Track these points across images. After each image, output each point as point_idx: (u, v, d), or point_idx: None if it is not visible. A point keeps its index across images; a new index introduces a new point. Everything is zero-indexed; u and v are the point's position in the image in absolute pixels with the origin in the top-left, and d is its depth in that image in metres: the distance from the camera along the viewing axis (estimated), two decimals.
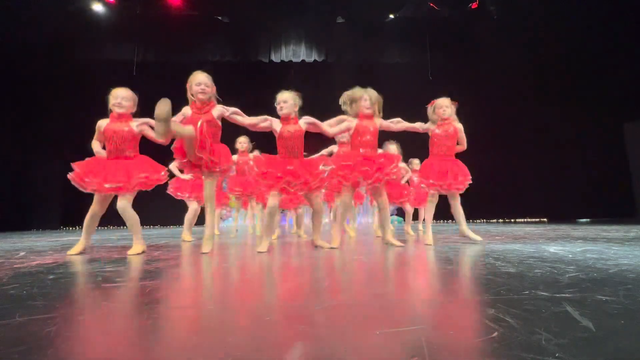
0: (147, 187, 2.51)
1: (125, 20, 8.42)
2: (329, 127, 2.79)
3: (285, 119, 2.66)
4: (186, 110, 2.55)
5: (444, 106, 2.93)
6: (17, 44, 7.59)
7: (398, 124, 2.89)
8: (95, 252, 2.58)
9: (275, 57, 9.07)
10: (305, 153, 2.80)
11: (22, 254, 2.56)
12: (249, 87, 8.35)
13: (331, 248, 2.60)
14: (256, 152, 4.20)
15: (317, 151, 3.80)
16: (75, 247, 2.49)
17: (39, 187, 7.89)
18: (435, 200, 3.00)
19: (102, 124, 2.55)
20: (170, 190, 3.90)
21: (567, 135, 8.68)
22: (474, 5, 8.43)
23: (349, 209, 4.25)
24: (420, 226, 5.22)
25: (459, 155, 3.07)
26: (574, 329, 0.74)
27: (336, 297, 1.12)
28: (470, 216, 8.82)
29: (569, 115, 8.58)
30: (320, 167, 2.64)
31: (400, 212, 10.09)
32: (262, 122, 2.65)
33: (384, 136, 2.93)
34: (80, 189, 2.43)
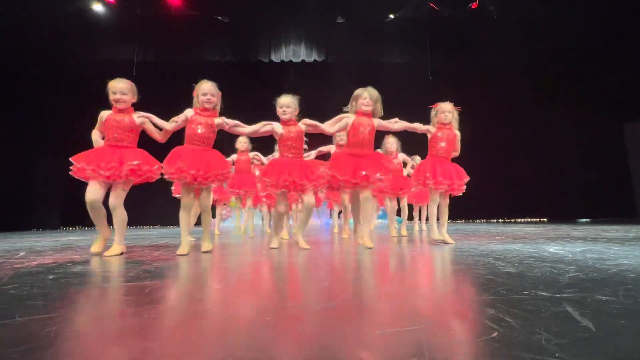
0: (138, 177, 2.47)
1: (125, 20, 8.42)
2: (328, 126, 2.83)
3: (286, 122, 2.75)
4: (188, 112, 2.62)
5: (446, 111, 2.98)
6: (17, 44, 7.59)
7: (396, 124, 2.90)
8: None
9: (275, 57, 9.07)
10: (305, 147, 2.86)
11: (22, 254, 2.56)
12: (249, 87, 8.35)
13: (369, 248, 2.59)
14: (255, 153, 4.21)
15: (314, 148, 3.81)
16: (113, 248, 2.44)
17: (39, 187, 7.89)
18: (437, 197, 3.01)
19: (104, 114, 2.57)
20: (175, 193, 3.93)
21: (567, 136, 8.69)
22: (474, 5, 8.43)
23: (346, 209, 4.27)
24: (416, 226, 5.21)
25: (458, 157, 3.09)
26: (574, 329, 0.74)
27: (336, 297, 1.12)
28: (471, 216, 8.88)
29: (569, 115, 8.58)
30: (321, 169, 2.72)
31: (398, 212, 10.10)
32: (262, 127, 2.74)
33: (385, 132, 2.93)
34: (83, 179, 2.43)
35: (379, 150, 3.03)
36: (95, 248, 2.51)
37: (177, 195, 3.91)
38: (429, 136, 3.05)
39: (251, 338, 0.75)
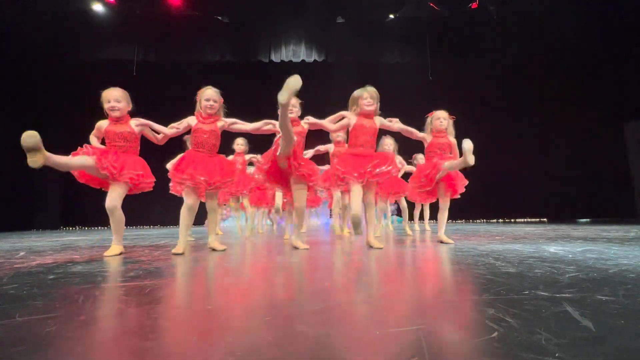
0: (133, 185, 2.49)
1: (125, 20, 8.42)
2: (329, 123, 2.84)
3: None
4: (191, 120, 2.65)
5: (441, 118, 3.00)
6: (17, 44, 7.59)
7: (395, 124, 2.89)
8: (95, 252, 2.59)
9: (275, 57, 9.07)
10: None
11: (22, 254, 2.56)
12: (249, 87, 8.36)
13: (379, 248, 2.57)
14: (252, 155, 4.20)
15: (313, 148, 3.81)
16: (111, 249, 2.44)
17: (39, 187, 7.89)
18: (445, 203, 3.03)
19: (103, 124, 2.57)
20: (172, 190, 3.90)
21: (567, 135, 8.69)
22: (474, 5, 8.43)
23: (345, 209, 4.27)
24: (416, 226, 5.21)
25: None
26: (574, 329, 0.74)
27: (336, 297, 1.12)
28: (471, 216, 8.88)
29: (569, 115, 8.58)
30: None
31: (398, 212, 10.09)
32: (264, 125, 2.74)
33: (382, 132, 2.93)
34: (85, 183, 2.43)
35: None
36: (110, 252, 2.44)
37: (174, 193, 3.89)
38: (425, 144, 3.07)
39: (251, 338, 0.75)
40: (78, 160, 2.31)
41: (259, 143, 3.48)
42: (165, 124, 2.70)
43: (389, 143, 4.07)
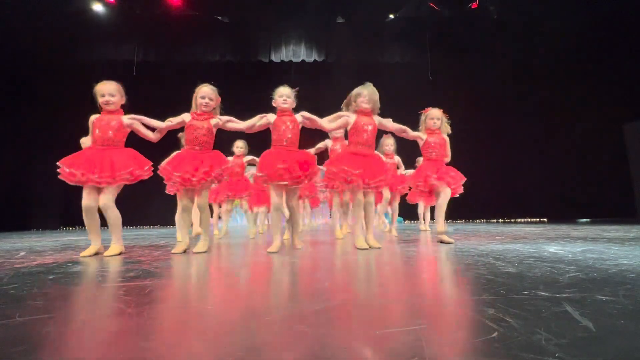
0: (130, 181, 2.49)
1: (125, 20, 8.42)
2: (327, 122, 2.78)
3: (283, 112, 2.70)
4: (186, 117, 2.63)
5: (435, 118, 3.01)
6: (17, 44, 7.60)
7: (389, 123, 2.86)
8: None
9: (275, 57, 9.07)
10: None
11: (22, 254, 2.56)
12: (249, 87, 8.35)
13: (377, 248, 2.58)
14: (252, 157, 4.19)
15: (313, 145, 3.80)
16: (87, 249, 2.43)
17: (39, 187, 7.89)
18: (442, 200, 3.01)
19: (94, 117, 2.56)
20: (168, 190, 3.89)
21: (567, 136, 8.70)
22: (474, 5, 8.43)
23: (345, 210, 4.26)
24: (421, 227, 5.21)
25: (458, 156, 3.09)
26: (574, 329, 0.74)
27: (336, 297, 1.12)
28: (471, 216, 8.88)
29: (569, 115, 8.59)
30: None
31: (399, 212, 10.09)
32: (258, 121, 2.68)
33: (382, 131, 2.92)
34: (67, 181, 2.41)
35: (377, 152, 3.01)
36: (86, 252, 2.42)
37: (171, 193, 3.88)
38: (420, 143, 3.08)
39: (251, 338, 0.75)
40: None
41: (260, 145, 3.48)
42: None
43: (389, 144, 4.06)
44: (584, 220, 8.01)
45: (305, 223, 5.75)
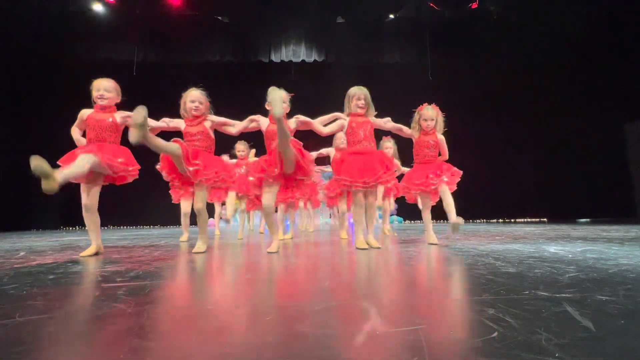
0: (114, 171, 2.42)
1: (125, 20, 8.43)
2: (321, 125, 2.73)
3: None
4: (181, 124, 2.60)
5: (428, 119, 2.87)
6: (17, 44, 7.60)
7: (387, 123, 2.83)
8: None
9: (275, 57, 9.07)
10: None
11: (22, 254, 2.56)
12: (249, 87, 8.35)
13: (377, 248, 2.56)
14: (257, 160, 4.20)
15: (315, 150, 3.80)
16: (88, 249, 2.43)
17: (39, 187, 7.88)
18: (429, 202, 2.98)
19: (85, 113, 2.54)
20: (174, 200, 3.94)
21: (567, 136, 8.70)
22: (474, 5, 8.44)
23: (343, 214, 4.25)
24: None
25: (458, 157, 3.06)
26: (574, 329, 0.74)
27: (336, 297, 1.12)
28: (471, 216, 8.88)
29: (569, 115, 8.59)
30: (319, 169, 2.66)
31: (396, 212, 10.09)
32: (249, 124, 2.67)
33: (381, 133, 2.89)
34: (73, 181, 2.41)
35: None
36: (86, 252, 2.42)
37: (178, 203, 3.91)
38: (413, 140, 2.98)
39: (251, 338, 0.75)
40: (81, 167, 2.26)
41: (262, 147, 3.49)
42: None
43: (388, 146, 4.04)
44: (584, 220, 8.01)
45: (307, 223, 5.74)
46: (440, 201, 3.07)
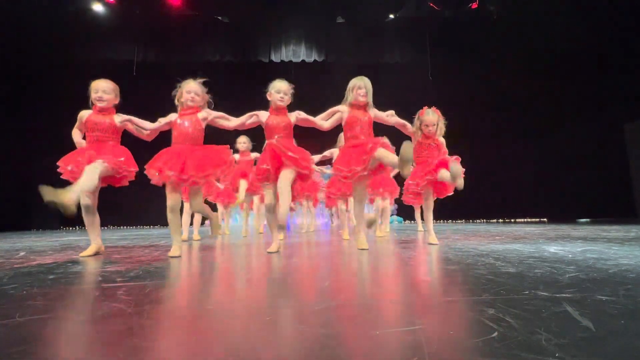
0: (114, 172, 2.42)
1: (125, 20, 8.42)
2: (322, 121, 2.71)
3: (277, 110, 2.61)
4: (172, 116, 2.55)
5: (430, 125, 2.84)
6: (17, 44, 7.60)
7: (392, 117, 2.80)
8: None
9: (275, 57, 9.08)
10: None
11: (22, 254, 2.56)
12: (249, 87, 8.34)
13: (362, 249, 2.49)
14: (257, 154, 4.18)
15: (319, 152, 3.80)
16: (88, 249, 2.43)
17: (39, 188, 7.89)
18: (431, 203, 2.96)
19: (84, 114, 2.54)
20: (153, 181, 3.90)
21: (567, 136, 8.70)
22: (474, 5, 8.44)
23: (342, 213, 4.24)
24: (419, 227, 5.21)
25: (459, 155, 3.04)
26: (574, 329, 0.74)
27: (336, 297, 1.12)
28: (471, 216, 8.88)
29: (569, 115, 8.58)
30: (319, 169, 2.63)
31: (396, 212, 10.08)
32: (249, 119, 2.63)
33: (375, 131, 2.87)
34: (70, 180, 2.41)
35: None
36: (86, 252, 2.41)
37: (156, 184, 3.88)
38: (413, 140, 2.94)
39: (251, 338, 0.75)
40: (92, 179, 2.28)
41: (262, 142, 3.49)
42: None
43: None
44: (584, 220, 8.01)
45: (309, 223, 5.74)
46: (439, 200, 3.07)
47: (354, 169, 2.47)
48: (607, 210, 8.35)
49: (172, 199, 2.39)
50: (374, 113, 2.71)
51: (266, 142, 2.64)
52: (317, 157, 3.78)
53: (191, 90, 2.52)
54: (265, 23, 8.85)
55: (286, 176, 2.44)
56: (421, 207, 5.13)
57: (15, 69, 7.75)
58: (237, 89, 8.67)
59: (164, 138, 2.71)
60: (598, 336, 0.69)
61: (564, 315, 0.83)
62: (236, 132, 3.99)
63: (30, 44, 7.79)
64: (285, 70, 8.98)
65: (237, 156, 4.19)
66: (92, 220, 2.45)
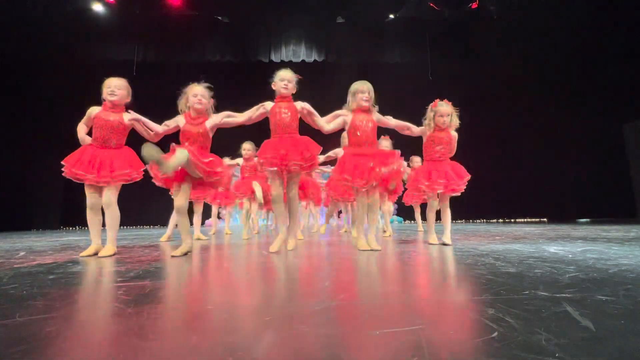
0: (127, 181, 2.51)
1: (125, 20, 8.42)
2: (325, 123, 2.72)
3: (282, 97, 2.63)
4: (180, 120, 2.56)
5: (444, 115, 2.80)
6: (16, 44, 7.60)
7: (392, 120, 2.79)
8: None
9: (275, 57, 9.08)
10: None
11: (22, 254, 2.56)
12: (249, 87, 8.36)
13: (375, 250, 2.47)
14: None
15: (322, 153, 3.80)
16: (88, 249, 2.43)
17: (39, 187, 7.90)
18: (436, 203, 2.95)
19: (94, 111, 2.54)
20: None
21: (567, 136, 8.70)
22: (474, 5, 8.44)
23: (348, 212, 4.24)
24: (419, 227, 5.21)
25: (459, 157, 3.04)
26: (574, 329, 0.74)
27: (336, 297, 1.12)
28: (471, 216, 8.88)
29: (569, 115, 8.59)
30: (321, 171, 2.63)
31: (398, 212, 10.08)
32: (256, 112, 2.64)
33: (380, 132, 2.86)
34: (76, 180, 2.43)
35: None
36: (86, 252, 2.41)
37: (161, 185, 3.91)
38: (424, 139, 2.91)
39: (251, 338, 0.75)
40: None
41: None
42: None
43: (386, 145, 4.01)
44: (584, 220, 8.01)
45: (312, 224, 5.75)
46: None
47: (358, 181, 2.51)
48: (607, 210, 8.35)
49: (178, 200, 2.45)
50: (377, 117, 2.72)
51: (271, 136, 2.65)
52: (321, 158, 3.77)
53: (197, 93, 2.53)
54: (265, 23, 8.85)
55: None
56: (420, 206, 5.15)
57: (14, 69, 7.74)
58: (237, 89, 8.68)
59: (167, 139, 2.73)
60: (598, 336, 0.69)
61: (564, 315, 0.83)
62: (241, 139, 4.01)
63: (30, 43, 7.79)
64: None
65: (240, 160, 4.24)
66: (95, 219, 2.46)
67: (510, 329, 0.74)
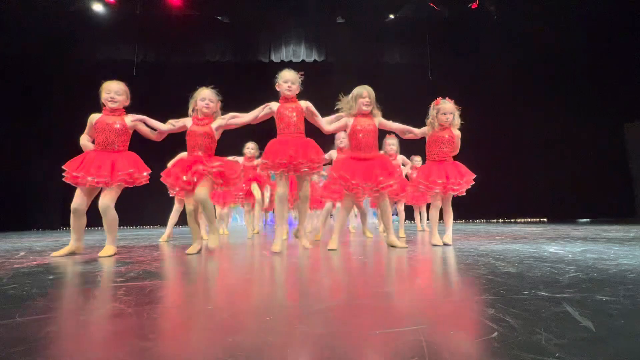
0: (128, 183, 2.49)
1: (125, 20, 8.42)
2: (327, 123, 2.73)
3: (287, 99, 2.66)
4: (187, 122, 2.60)
5: (447, 113, 2.79)
6: (16, 44, 7.59)
7: (393, 123, 2.79)
8: (95, 252, 2.58)
9: (275, 57, 9.07)
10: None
11: (22, 254, 2.56)
12: (249, 87, 8.35)
13: (331, 249, 2.52)
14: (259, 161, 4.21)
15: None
16: (63, 249, 2.43)
17: (39, 188, 7.89)
18: (439, 203, 2.92)
19: (94, 117, 2.54)
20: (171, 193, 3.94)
21: (567, 135, 8.69)
22: (474, 5, 8.43)
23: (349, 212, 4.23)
24: (419, 227, 5.21)
25: (459, 157, 3.03)
26: (574, 329, 0.74)
27: (336, 297, 1.12)
28: (471, 216, 8.88)
29: (569, 115, 8.58)
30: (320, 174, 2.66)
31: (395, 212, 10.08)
32: (262, 111, 2.66)
33: (385, 131, 2.84)
34: (75, 185, 2.43)
35: (381, 152, 2.93)
36: (60, 252, 2.41)
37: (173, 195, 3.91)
38: (426, 139, 2.91)
39: (251, 338, 0.75)
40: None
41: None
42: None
43: (391, 144, 3.98)
44: (584, 220, 8.01)
45: (314, 224, 5.74)
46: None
47: (354, 183, 2.54)
48: (607, 210, 8.35)
49: (189, 204, 2.52)
50: (379, 121, 2.72)
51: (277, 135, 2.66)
52: None
53: (205, 97, 2.57)
54: (265, 23, 8.84)
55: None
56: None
57: (14, 69, 7.74)
58: (238, 89, 8.66)
59: (171, 139, 2.74)
60: (598, 336, 0.69)
61: (564, 315, 0.83)
62: (246, 139, 4.01)
63: (29, 43, 7.78)
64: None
65: (241, 159, 4.23)
66: (78, 223, 2.45)
67: (510, 329, 0.74)
